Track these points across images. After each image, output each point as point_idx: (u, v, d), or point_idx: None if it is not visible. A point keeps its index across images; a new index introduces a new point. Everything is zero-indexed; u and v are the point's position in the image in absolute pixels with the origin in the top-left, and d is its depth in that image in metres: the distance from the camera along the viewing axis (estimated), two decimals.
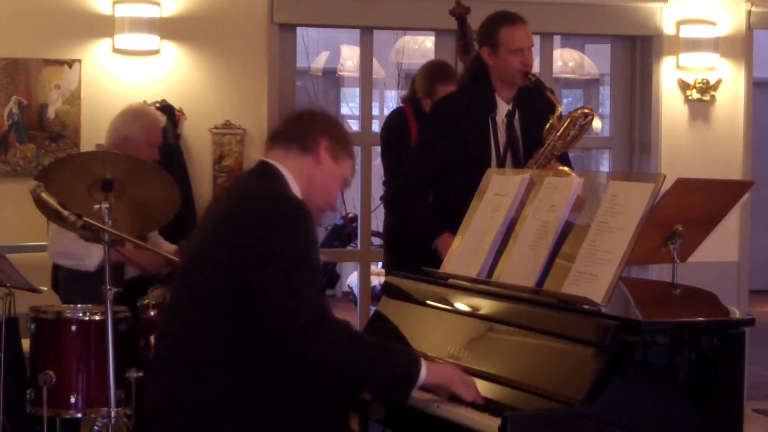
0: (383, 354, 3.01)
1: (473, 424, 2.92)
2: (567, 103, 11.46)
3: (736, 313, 3.23)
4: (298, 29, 6.90)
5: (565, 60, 10.28)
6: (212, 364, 2.94)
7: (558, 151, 4.24)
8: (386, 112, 6.38)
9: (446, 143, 4.43)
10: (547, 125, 4.26)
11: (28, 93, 6.07)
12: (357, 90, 7.41)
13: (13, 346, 4.56)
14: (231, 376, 2.93)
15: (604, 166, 8.60)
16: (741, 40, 7.06)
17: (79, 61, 6.13)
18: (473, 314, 3.35)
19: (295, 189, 3.08)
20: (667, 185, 3.32)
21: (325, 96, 12.19)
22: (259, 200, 3.01)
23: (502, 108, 4.45)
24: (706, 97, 7.01)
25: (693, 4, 6.97)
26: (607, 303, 3.01)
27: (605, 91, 10.52)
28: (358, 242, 7.16)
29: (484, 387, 3.05)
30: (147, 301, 4.43)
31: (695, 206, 3.65)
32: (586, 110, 4.28)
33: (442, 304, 3.48)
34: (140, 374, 4.17)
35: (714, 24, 6.96)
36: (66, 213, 3.76)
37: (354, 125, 8.65)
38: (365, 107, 6.89)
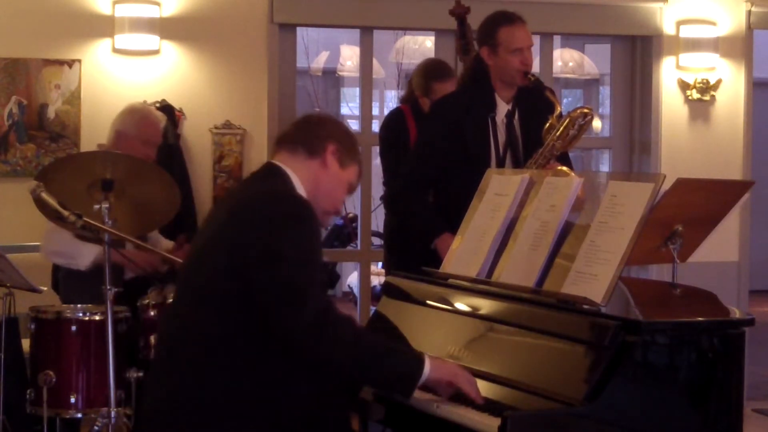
0: (387, 350, 3.02)
1: (473, 424, 2.92)
2: (567, 103, 11.45)
3: (736, 313, 3.23)
4: (298, 29, 6.90)
5: (565, 60, 10.28)
6: (212, 364, 2.95)
7: (557, 151, 4.24)
8: (386, 112, 6.37)
9: (446, 143, 4.43)
10: (547, 125, 4.26)
11: (28, 93, 6.07)
12: (357, 90, 7.41)
13: (13, 346, 4.56)
14: (231, 376, 2.94)
15: (604, 166, 8.60)
16: (741, 40, 7.06)
17: (79, 61, 6.13)
18: (473, 314, 3.35)
19: (301, 191, 3.09)
20: (667, 185, 3.32)
21: (325, 96, 12.19)
22: (263, 200, 3.02)
23: (502, 108, 4.45)
24: (706, 97, 7.01)
25: (693, 4, 6.97)
26: (607, 303, 3.01)
27: (605, 91, 10.52)
28: (358, 242, 7.16)
29: (484, 387, 3.05)
30: (147, 301, 4.43)
31: (695, 206, 3.65)
32: (585, 110, 4.28)
33: (442, 304, 3.48)
34: (140, 374, 4.17)
35: (714, 24, 6.96)
36: (66, 213, 3.76)
37: (354, 125, 8.65)
38: (365, 107, 6.89)
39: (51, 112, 6.10)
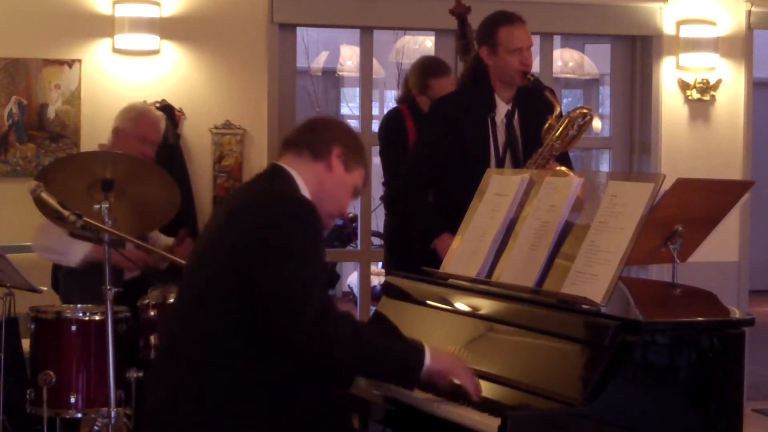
0: (387, 347, 3.02)
1: (473, 424, 2.92)
2: (567, 103, 11.45)
3: (736, 313, 3.23)
4: (298, 29, 6.89)
5: (565, 60, 10.27)
6: (213, 364, 2.95)
7: (556, 151, 4.24)
8: (386, 112, 6.37)
9: (446, 143, 4.43)
10: (546, 125, 4.26)
11: (28, 93, 6.07)
12: (357, 90, 7.41)
13: (13, 346, 4.56)
14: (231, 376, 2.94)
15: (604, 166, 8.59)
16: (741, 40, 7.06)
17: (79, 61, 6.13)
18: (473, 314, 3.35)
19: (305, 193, 3.09)
20: (667, 185, 3.32)
21: (325, 96, 12.18)
22: (265, 200, 3.02)
23: (502, 108, 4.45)
24: (706, 97, 7.01)
25: (693, 4, 6.96)
26: (607, 303, 3.01)
27: (605, 91, 10.51)
28: (358, 242, 7.16)
29: (484, 387, 3.05)
30: (147, 301, 4.43)
31: (695, 206, 3.65)
32: (585, 110, 4.28)
33: (442, 304, 3.48)
34: (140, 374, 4.17)
35: (714, 24, 6.96)
36: (66, 213, 3.76)
37: (354, 125, 8.65)
38: (365, 107, 6.89)
39: (51, 112, 6.09)
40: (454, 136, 4.41)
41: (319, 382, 3.02)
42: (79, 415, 4.27)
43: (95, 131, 5.89)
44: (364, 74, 6.84)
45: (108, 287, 3.98)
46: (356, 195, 3.24)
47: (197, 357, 2.96)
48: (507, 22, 4.39)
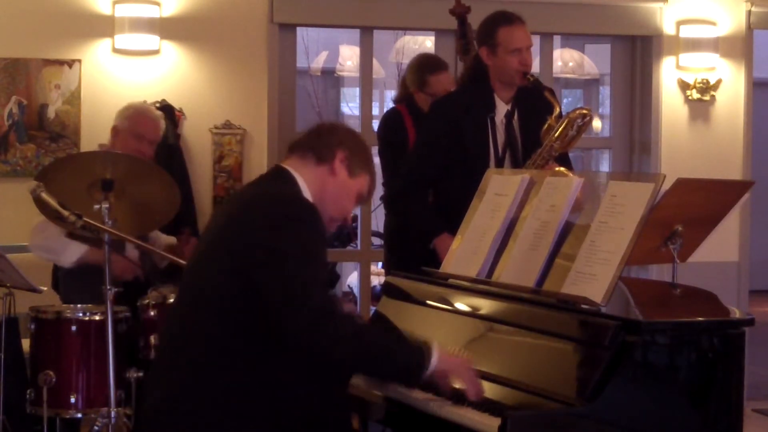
0: (390, 344, 3.02)
1: (473, 424, 2.92)
2: (567, 103, 11.44)
3: (736, 313, 3.23)
4: (298, 29, 6.90)
5: (565, 60, 10.26)
6: (213, 364, 2.95)
7: (556, 152, 4.24)
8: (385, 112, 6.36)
9: (445, 143, 4.43)
10: (545, 126, 4.26)
11: (28, 93, 6.07)
12: (357, 90, 7.41)
13: (13, 346, 4.56)
14: (231, 376, 2.94)
15: (604, 166, 8.58)
16: (741, 40, 7.06)
17: (79, 61, 6.13)
18: (473, 314, 3.35)
19: (308, 194, 3.10)
20: (667, 185, 3.32)
21: (325, 96, 12.17)
22: (267, 201, 3.03)
23: (501, 108, 4.45)
24: (706, 97, 7.01)
25: (693, 4, 6.97)
26: (607, 303, 3.01)
27: (605, 91, 10.50)
28: (358, 242, 7.16)
29: (484, 387, 3.05)
30: (147, 301, 4.43)
31: (695, 206, 3.65)
32: (584, 111, 4.28)
33: (442, 304, 3.48)
34: (140, 374, 4.17)
35: (714, 24, 6.96)
36: (66, 213, 3.76)
37: (354, 125, 8.65)
38: (365, 107, 6.89)
39: (51, 112, 6.10)
40: (454, 136, 4.41)
41: (319, 382, 3.02)
42: (79, 415, 4.27)
43: (95, 131, 5.90)
44: (364, 74, 6.84)
45: (108, 287, 3.97)
46: (360, 202, 3.24)
47: (197, 357, 2.96)
48: (506, 22, 4.39)
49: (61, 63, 6.10)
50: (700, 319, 3.14)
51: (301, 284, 2.89)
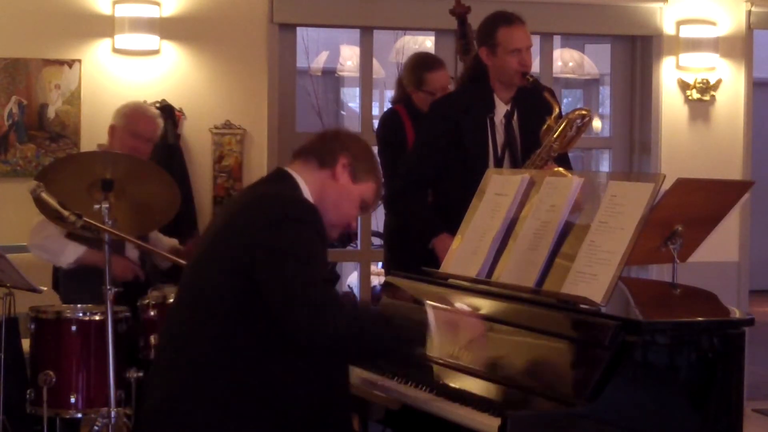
0: (390, 330, 3.02)
1: (473, 424, 2.92)
2: (567, 103, 11.44)
3: (736, 313, 3.23)
4: (298, 29, 6.90)
5: (565, 60, 10.26)
6: (213, 364, 2.95)
7: (555, 153, 4.24)
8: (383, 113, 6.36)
9: (444, 143, 4.43)
10: (544, 126, 4.25)
11: (28, 93, 6.07)
12: (357, 90, 7.41)
13: (13, 346, 4.56)
14: (232, 376, 2.94)
15: (604, 166, 8.58)
16: (741, 40, 7.06)
17: (79, 61, 6.13)
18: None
19: (309, 197, 3.09)
20: (667, 185, 3.32)
21: (325, 96, 12.17)
22: (267, 201, 3.03)
23: (501, 108, 4.45)
24: (706, 97, 7.01)
25: (693, 4, 6.97)
26: (607, 303, 3.01)
27: (605, 91, 10.50)
28: (358, 242, 7.16)
29: (484, 387, 3.06)
30: (147, 301, 4.43)
31: (695, 206, 3.65)
32: (584, 111, 4.28)
33: (442, 304, 3.47)
34: (140, 374, 4.18)
35: (714, 24, 6.96)
36: (66, 213, 3.76)
37: (354, 125, 8.65)
38: (365, 107, 6.89)
39: (51, 112, 6.10)
40: (453, 136, 4.41)
41: (319, 382, 3.02)
42: (79, 415, 4.27)
43: (95, 131, 5.89)
44: (364, 74, 6.84)
45: (108, 287, 3.97)
46: (364, 208, 3.22)
47: (197, 357, 2.96)
48: (506, 22, 4.38)
49: (61, 63, 6.10)
50: (700, 319, 3.14)
51: (302, 284, 2.89)
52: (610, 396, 2.82)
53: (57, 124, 6.10)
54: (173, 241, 4.97)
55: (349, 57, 10.74)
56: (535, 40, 4.84)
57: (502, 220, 3.48)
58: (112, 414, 4.01)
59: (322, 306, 2.89)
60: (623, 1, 6.90)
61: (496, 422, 2.82)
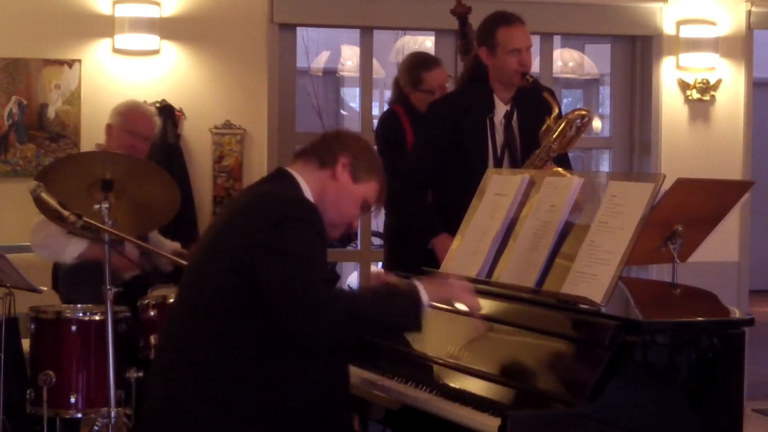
0: (385, 310, 3.01)
1: (473, 424, 2.92)
2: (567, 103, 11.44)
3: (736, 313, 3.23)
4: (298, 29, 6.90)
5: (565, 60, 10.27)
6: (213, 364, 2.95)
7: (554, 153, 4.24)
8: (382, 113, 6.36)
9: (444, 143, 4.43)
10: (544, 126, 4.25)
11: (28, 93, 6.07)
12: (357, 90, 7.41)
13: (13, 346, 4.56)
14: (232, 376, 2.94)
15: (604, 166, 8.59)
16: (741, 40, 7.06)
17: (79, 61, 6.14)
18: (473, 314, 3.35)
19: (309, 196, 3.09)
20: (667, 185, 3.32)
21: (325, 96, 12.18)
22: (267, 200, 3.03)
23: (501, 108, 4.45)
24: (706, 97, 7.01)
25: (693, 4, 6.97)
26: (607, 303, 3.01)
27: (605, 91, 10.51)
28: (358, 242, 7.16)
29: (484, 387, 3.05)
30: (147, 301, 4.43)
31: (695, 206, 3.65)
32: (583, 112, 4.28)
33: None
34: (140, 374, 4.17)
35: (714, 24, 6.96)
36: (66, 213, 3.76)
37: (354, 125, 8.65)
38: (365, 107, 6.89)
39: (51, 112, 6.10)
40: (453, 136, 4.41)
41: (319, 382, 3.02)
42: (79, 415, 4.27)
43: (95, 131, 5.89)
44: (364, 74, 6.84)
45: (108, 287, 3.97)
46: (366, 209, 3.22)
47: (197, 357, 2.96)
48: (506, 22, 4.38)
49: (61, 63, 6.10)
50: (700, 319, 3.14)
51: (301, 284, 2.88)
52: (610, 396, 2.82)
53: (57, 124, 6.10)
54: (176, 245, 4.96)
55: (349, 57, 10.75)
56: (535, 40, 4.84)
57: (502, 220, 3.48)
58: (112, 414, 4.01)
59: (322, 306, 2.88)
60: (623, 1, 6.90)
61: (496, 422, 2.82)
